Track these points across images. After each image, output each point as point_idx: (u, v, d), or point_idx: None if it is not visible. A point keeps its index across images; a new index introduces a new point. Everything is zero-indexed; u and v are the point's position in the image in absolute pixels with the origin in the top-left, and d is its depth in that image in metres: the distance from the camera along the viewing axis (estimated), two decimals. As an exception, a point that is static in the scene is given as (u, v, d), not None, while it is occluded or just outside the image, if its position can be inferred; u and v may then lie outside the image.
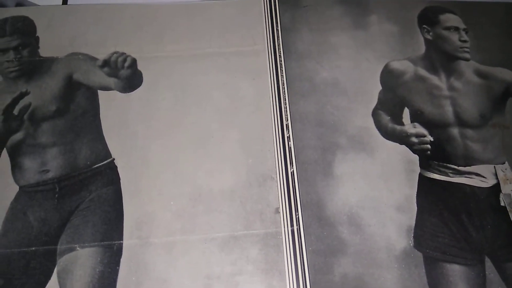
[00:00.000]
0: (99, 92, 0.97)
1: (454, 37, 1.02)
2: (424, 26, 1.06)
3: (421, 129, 0.94)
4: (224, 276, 0.80)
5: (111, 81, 0.96)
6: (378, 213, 0.86)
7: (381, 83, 1.01)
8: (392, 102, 0.99)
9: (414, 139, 0.93)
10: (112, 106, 0.96)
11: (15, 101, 0.93)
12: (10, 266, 0.80)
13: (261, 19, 1.08)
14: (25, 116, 0.93)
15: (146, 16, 1.08)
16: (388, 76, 1.01)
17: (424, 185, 0.90)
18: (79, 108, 0.95)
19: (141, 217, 0.85)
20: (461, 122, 0.95)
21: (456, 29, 1.03)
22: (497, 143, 0.95)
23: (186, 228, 0.84)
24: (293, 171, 0.90)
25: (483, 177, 0.91)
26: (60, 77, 0.97)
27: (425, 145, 0.93)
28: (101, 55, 0.97)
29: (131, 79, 0.97)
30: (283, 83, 1.00)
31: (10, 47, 0.98)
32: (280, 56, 1.03)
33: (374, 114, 0.97)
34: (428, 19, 1.07)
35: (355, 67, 1.03)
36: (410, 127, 0.95)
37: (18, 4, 1.11)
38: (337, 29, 1.08)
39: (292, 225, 0.85)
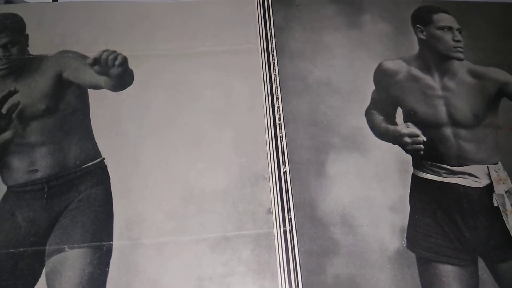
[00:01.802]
0: (89, 90, 0.96)
1: (447, 36, 1.02)
2: (417, 25, 1.06)
3: (414, 129, 0.94)
4: (215, 277, 0.80)
5: (102, 79, 0.95)
6: (371, 213, 0.86)
7: (374, 82, 1.00)
8: (386, 101, 0.98)
9: (407, 139, 0.93)
10: (103, 105, 0.95)
11: (3, 100, 0.92)
12: (-3, 268, 0.79)
13: (254, 18, 1.08)
14: (14, 115, 0.91)
15: (138, 14, 1.07)
16: (382, 76, 1.01)
17: (417, 185, 0.90)
18: (69, 107, 0.93)
19: (131, 217, 0.84)
20: (454, 122, 0.95)
21: (450, 28, 1.03)
22: (490, 143, 0.95)
23: (178, 228, 0.84)
24: (285, 171, 0.89)
25: (476, 177, 0.91)
26: (50, 75, 0.96)
27: (418, 145, 0.93)
28: (92, 53, 0.97)
29: (121, 78, 0.96)
30: (276, 82, 0.99)
31: (-2, 45, 0.96)
32: (273, 55, 1.02)
33: (368, 113, 0.97)
34: (421, 18, 1.06)
35: (349, 66, 1.02)
36: (403, 127, 0.95)
37: (7, 1, 1.10)
38: (330, 28, 1.07)
39: (284, 226, 0.84)
